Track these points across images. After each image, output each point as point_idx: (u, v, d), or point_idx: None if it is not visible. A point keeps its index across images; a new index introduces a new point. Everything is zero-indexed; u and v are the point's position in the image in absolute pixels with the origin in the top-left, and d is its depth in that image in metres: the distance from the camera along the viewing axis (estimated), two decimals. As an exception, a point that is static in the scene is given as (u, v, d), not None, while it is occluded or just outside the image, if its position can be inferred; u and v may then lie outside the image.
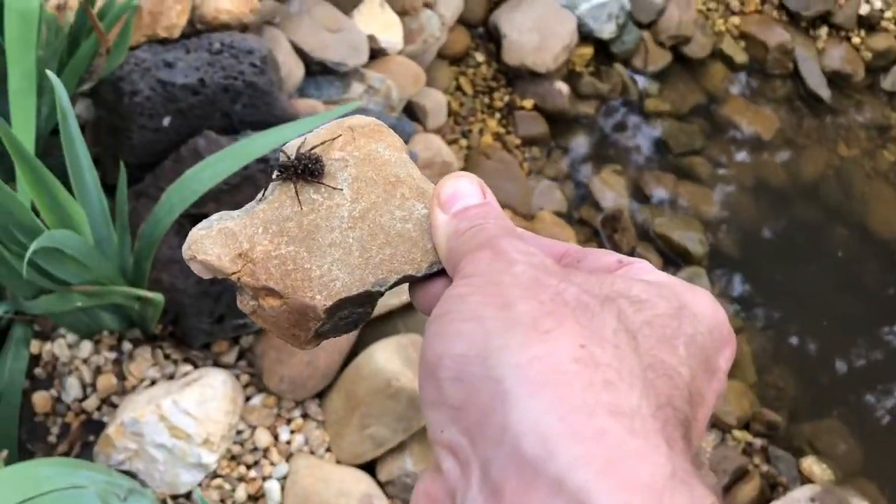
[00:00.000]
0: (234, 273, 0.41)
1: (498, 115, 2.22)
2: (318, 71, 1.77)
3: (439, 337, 0.33)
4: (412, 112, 2.03)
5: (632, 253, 2.08)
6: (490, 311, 0.32)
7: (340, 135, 0.44)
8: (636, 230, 2.14)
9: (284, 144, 0.45)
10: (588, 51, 2.35)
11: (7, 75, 1.16)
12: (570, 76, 2.33)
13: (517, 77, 2.25)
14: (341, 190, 0.43)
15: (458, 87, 2.23)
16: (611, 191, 2.19)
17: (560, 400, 0.29)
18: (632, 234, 2.08)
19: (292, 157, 0.44)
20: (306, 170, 0.43)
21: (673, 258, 2.12)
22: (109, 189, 1.36)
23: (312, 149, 0.44)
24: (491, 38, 2.30)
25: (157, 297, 1.18)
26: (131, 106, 1.35)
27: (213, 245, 0.42)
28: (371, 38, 1.86)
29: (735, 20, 2.57)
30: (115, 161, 1.44)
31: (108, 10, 1.28)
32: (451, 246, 0.39)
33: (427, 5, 2.08)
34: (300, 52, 1.71)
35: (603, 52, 2.39)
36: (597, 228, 2.13)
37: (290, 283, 0.41)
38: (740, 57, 2.52)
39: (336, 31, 1.76)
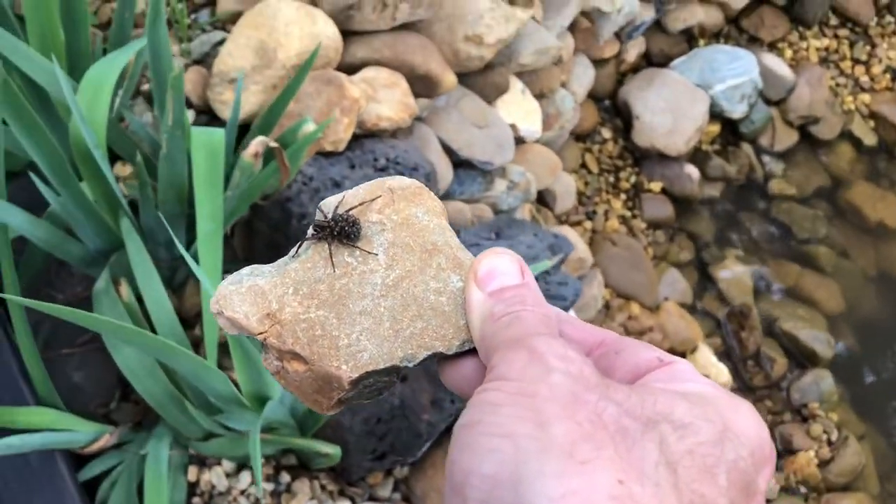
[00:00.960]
0: (261, 334, 0.41)
1: (623, 197, 2.16)
2: (458, 163, 1.73)
3: (468, 451, 0.31)
4: (540, 196, 1.98)
5: (757, 353, 2.02)
6: (524, 428, 0.31)
7: (380, 196, 0.43)
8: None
9: (323, 200, 0.44)
10: (715, 128, 2.28)
11: (195, 215, 1.13)
12: (696, 154, 2.26)
13: (645, 157, 2.19)
14: (376, 255, 0.42)
15: (584, 165, 2.17)
16: (734, 280, 2.13)
17: None
18: (759, 334, 2.02)
19: (329, 215, 0.42)
20: (342, 232, 0.42)
21: (799, 359, 2.05)
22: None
23: (350, 209, 0.43)
24: (618, 113, 2.23)
25: (335, 451, 1.15)
26: (299, 228, 1.32)
27: (241, 303, 0.41)
28: (512, 127, 1.80)
29: (865, 97, 2.48)
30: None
31: (291, 141, 1.24)
32: (484, 331, 0.37)
33: (562, 83, 2.02)
34: (447, 149, 1.66)
35: (730, 129, 2.31)
36: (721, 321, 2.07)
37: (316, 350, 0.40)
38: (869, 139, 2.43)
39: (483, 127, 1.71)
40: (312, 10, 1.51)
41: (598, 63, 2.15)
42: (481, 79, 1.75)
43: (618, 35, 2.16)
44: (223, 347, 1.24)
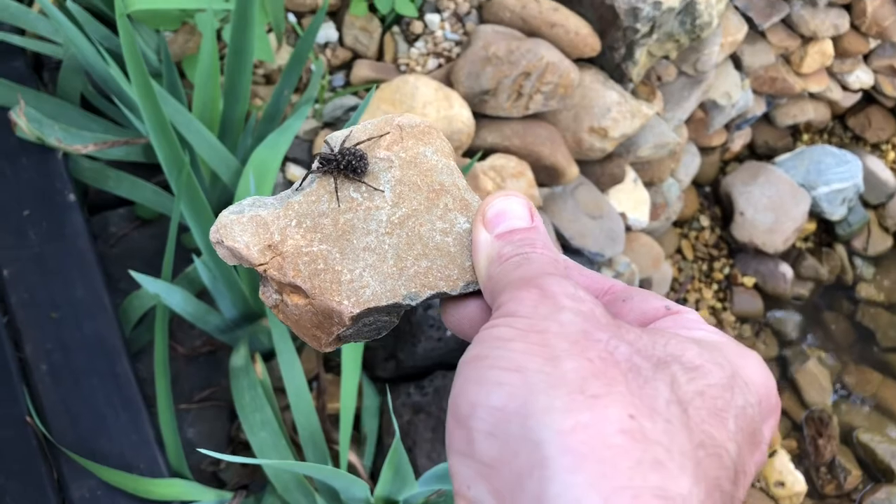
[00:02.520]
0: (261, 265, 0.40)
1: (715, 287, 2.17)
2: (565, 247, 1.75)
3: (476, 384, 0.31)
4: (639, 284, 1.99)
5: (832, 463, 2.02)
6: (534, 363, 0.30)
7: (388, 132, 0.42)
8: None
9: (330, 134, 0.43)
10: (811, 226, 2.28)
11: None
12: (790, 251, 2.26)
13: (740, 250, 2.20)
14: (383, 192, 0.41)
15: (679, 250, 2.18)
16: (815, 382, 2.12)
17: (604, 477, 0.27)
18: (836, 443, 2.02)
19: (336, 149, 0.42)
20: (349, 166, 0.41)
21: (874, 473, 2.05)
22: (376, 378, 1.38)
23: (358, 144, 0.42)
24: (717, 201, 2.24)
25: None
26: (423, 318, 1.35)
27: (242, 232, 0.40)
28: (621, 216, 1.82)
29: (963, 209, 2.46)
30: (389, 356, 1.44)
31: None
32: (491, 271, 0.36)
33: (671, 172, 2.03)
34: (559, 235, 1.69)
35: (824, 227, 2.31)
36: (798, 423, 2.07)
37: (317, 284, 0.39)
38: (963, 252, 2.42)
39: (597, 218, 1.73)
40: (449, 92, 1.54)
41: (704, 151, 2.16)
42: (599, 168, 1.77)
43: (727, 126, 2.17)
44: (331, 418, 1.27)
